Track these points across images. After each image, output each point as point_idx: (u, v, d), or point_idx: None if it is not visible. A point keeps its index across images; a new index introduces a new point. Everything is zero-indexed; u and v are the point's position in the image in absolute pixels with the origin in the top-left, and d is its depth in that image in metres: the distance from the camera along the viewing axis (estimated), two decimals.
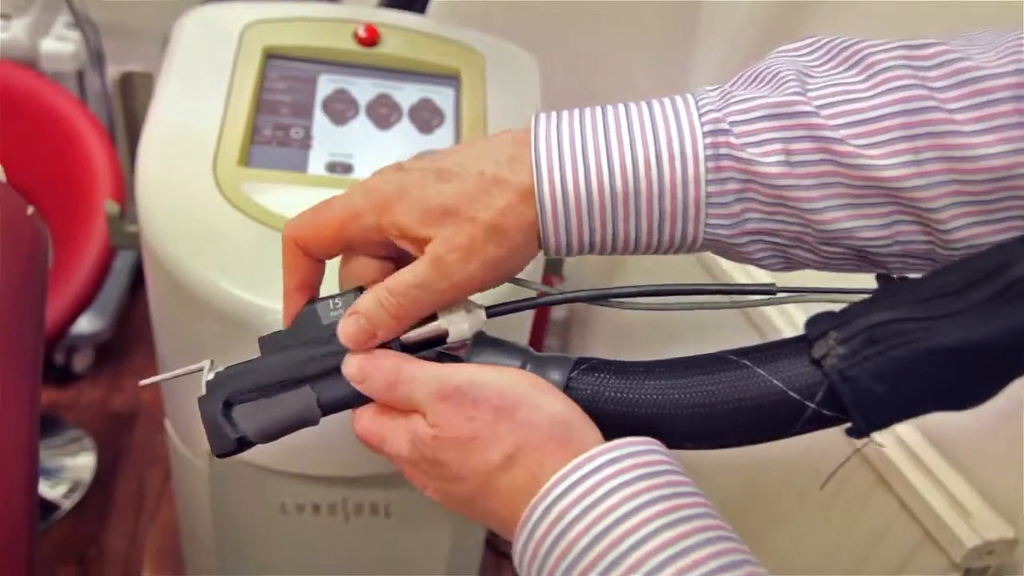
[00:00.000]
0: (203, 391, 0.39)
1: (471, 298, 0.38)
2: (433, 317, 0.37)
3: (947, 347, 0.28)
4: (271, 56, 0.79)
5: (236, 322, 0.66)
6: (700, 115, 0.33)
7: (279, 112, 0.77)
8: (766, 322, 0.93)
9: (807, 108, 0.32)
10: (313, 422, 0.39)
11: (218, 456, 0.39)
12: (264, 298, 0.65)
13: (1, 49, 1.32)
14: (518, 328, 0.84)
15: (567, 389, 0.36)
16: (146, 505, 1.53)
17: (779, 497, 0.93)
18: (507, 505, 0.34)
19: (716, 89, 0.35)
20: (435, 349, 0.38)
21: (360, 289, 0.38)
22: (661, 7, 1.27)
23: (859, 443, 0.33)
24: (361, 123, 0.79)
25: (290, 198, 0.71)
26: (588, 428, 0.35)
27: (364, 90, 0.80)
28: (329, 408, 0.39)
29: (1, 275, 0.56)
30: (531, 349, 0.38)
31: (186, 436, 0.84)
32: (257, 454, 0.78)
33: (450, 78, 0.83)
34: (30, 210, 0.59)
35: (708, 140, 0.33)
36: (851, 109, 0.32)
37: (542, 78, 0.87)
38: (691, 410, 0.34)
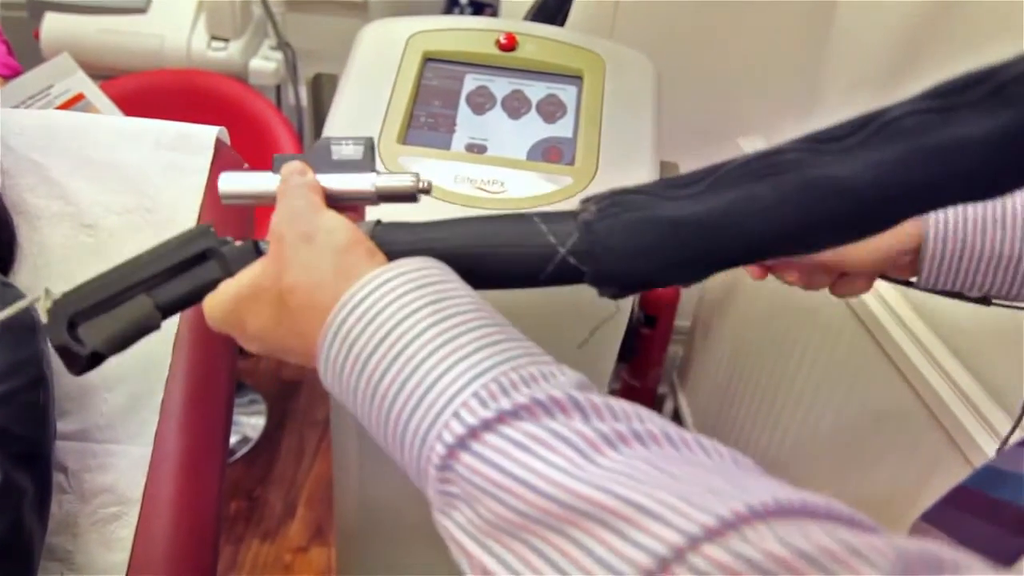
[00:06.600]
0: (44, 320, 0.40)
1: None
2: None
3: (664, 216, 0.36)
4: (429, 59, 0.97)
5: None
6: None
7: (431, 103, 0.94)
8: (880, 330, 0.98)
9: None
10: (155, 326, 0.41)
11: (76, 375, 0.40)
12: None
13: (220, 66, 1.61)
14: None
15: (372, 238, 0.40)
16: (304, 459, 1.76)
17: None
18: (304, 322, 0.39)
19: None
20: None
21: (371, 140, 0.44)
22: (792, 16, 1.34)
23: (613, 308, 0.41)
24: (496, 113, 0.94)
25: (435, 169, 0.87)
26: (366, 257, 0.38)
27: (501, 87, 0.96)
28: (168, 310, 0.41)
29: (229, 213, 0.75)
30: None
31: None
32: None
33: (574, 78, 0.96)
34: (245, 166, 0.78)
35: None
36: None
37: (661, 80, 0.98)
38: (477, 247, 0.40)
